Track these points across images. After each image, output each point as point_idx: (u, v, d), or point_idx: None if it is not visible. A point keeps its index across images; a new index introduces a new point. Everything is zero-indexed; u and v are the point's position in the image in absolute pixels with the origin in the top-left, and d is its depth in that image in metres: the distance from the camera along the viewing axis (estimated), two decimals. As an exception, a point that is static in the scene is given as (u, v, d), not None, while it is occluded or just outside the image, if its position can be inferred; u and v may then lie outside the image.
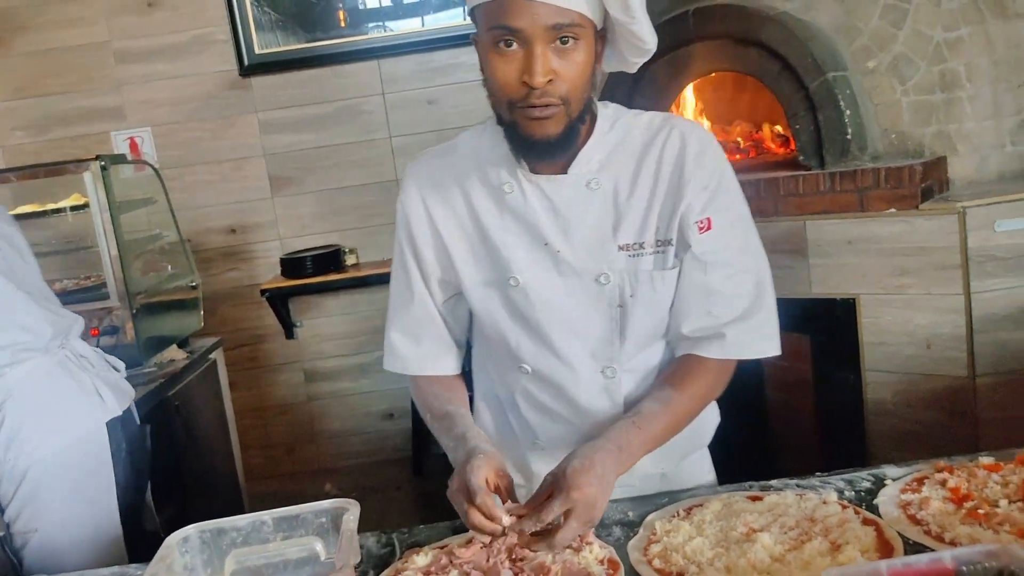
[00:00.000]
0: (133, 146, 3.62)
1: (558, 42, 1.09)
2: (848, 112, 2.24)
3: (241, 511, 2.93)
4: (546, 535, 1.04)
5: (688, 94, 2.87)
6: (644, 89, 2.66)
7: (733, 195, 1.24)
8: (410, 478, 3.52)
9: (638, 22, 1.14)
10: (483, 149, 1.27)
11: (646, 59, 1.24)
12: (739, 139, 3.10)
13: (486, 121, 1.27)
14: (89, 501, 1.77)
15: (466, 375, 1.42)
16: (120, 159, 2.88)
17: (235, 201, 3.63)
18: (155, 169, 2.98)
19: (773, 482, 1.25)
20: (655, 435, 1.17)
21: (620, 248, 1.23)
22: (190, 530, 0.94)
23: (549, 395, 1.31)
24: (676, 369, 1.26)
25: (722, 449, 2.59)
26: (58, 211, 2.60)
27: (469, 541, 1.16)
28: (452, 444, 1.20)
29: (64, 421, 1.76)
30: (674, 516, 1.18)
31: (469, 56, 3.62)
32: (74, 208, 2.56)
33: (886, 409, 2.18)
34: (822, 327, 2.27)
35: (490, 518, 1.05)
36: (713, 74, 2.69)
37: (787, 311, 2.31)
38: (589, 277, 1.23)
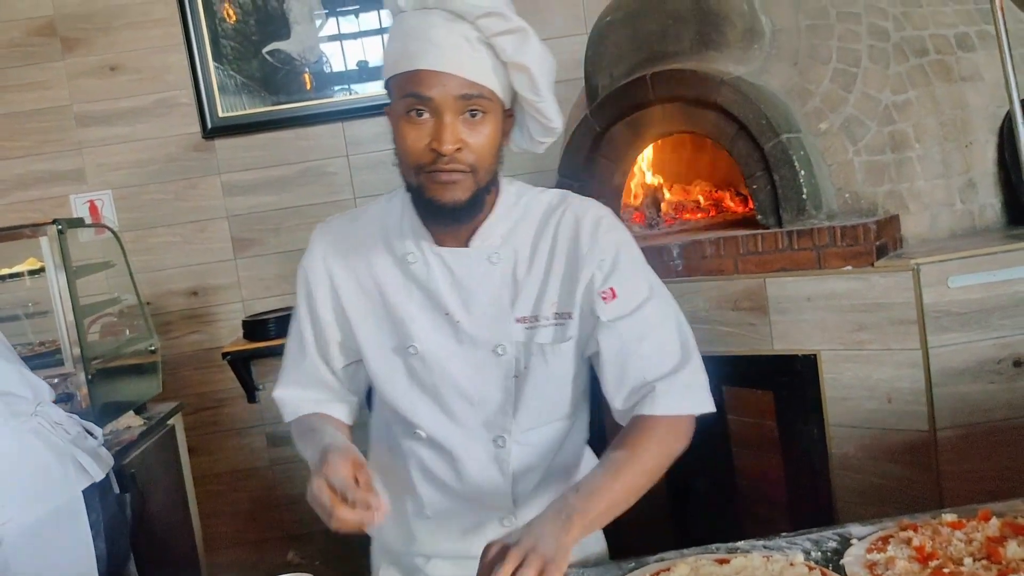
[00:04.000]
0: (93, 209, 3.59)
1: (467, 114, 1.16)
2: (803, 172, 2.30)
3: (200, 584, 2.82)
4: None
5: (648, 154, 2.92)
6: (604, 149, 2.70)
7: (635, 264, 1.31)
8: (375, 544, 3.45)
9: (544, 101, 1.21)
10: (391, 218, 1.32)
11: (552, 139, 1.32)
12: (699, 198, 3.15)
13: (394, 191, 1.32)
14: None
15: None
16: (77, 223, 2.85)
17: (197, 263, 3.60)
18: (114, 232, 2.95)
19: (740, 543, 1.25)
20: (599, 491, 1.15)
21: (517, 320, 1.28)
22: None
23: (441, 462, 1.33)
24: (623, 431, 1.27)
25: (687, 507, 2.58)
26: (13, 276, 2.55)
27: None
28: (316, 458, 1.17)
29: (39, 491, 1.68)
30: (641, 581, 1.16)
31: (432, 118, 3.66)
32: (30, 272, 2.51)
33: (851, 463, 2.19)
34: (785, 383, 2.29)
35: (367, 505, 1.05)
36: (672, 135, 2.74)
37: (750, 367, 2.36)
38: (487, 347, 1.28)
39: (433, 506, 1.35)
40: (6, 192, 3.61)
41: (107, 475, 1.85)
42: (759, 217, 2.40)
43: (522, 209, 1.30)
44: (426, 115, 1.16)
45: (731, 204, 3.10)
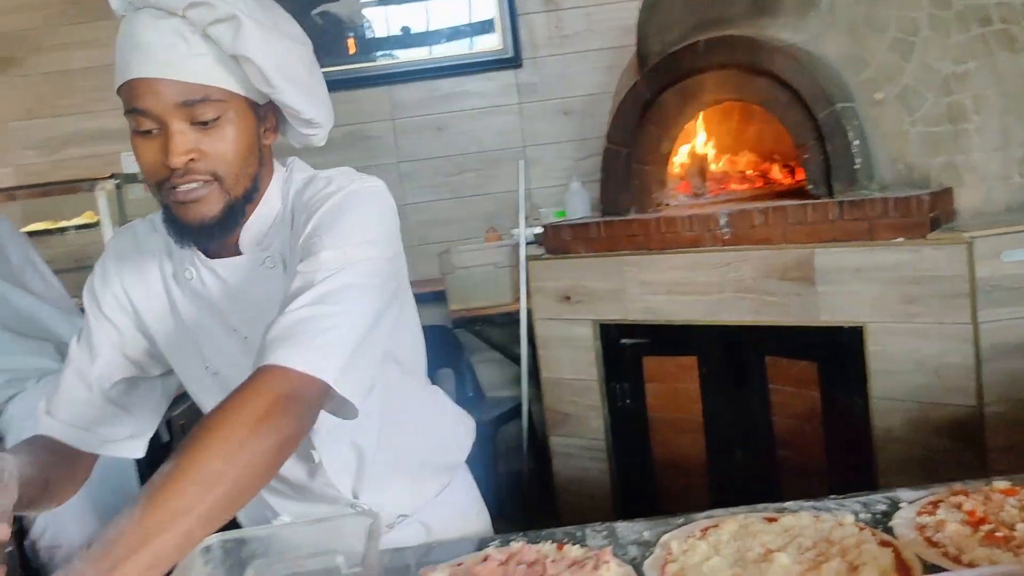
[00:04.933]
0: (143, 167, 3.64)
1: (198, 122, 1.02)
2: (856, 142, 2.27)
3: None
4: None
5: (697, 123, 2.90)
6: (653, 116, 2.68)
7: (337, 231, 1.05)
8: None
9: (281, 92, 1.06)
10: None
11: (318, 132, 1.17)
12: (746, 169, 3.13)
13: None
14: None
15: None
16: (132, 178, 2.90)
17: (243, 223, 3.65)
18: (166, 189, 3.00)
19: (788, 504, 1.25)
20: (118, 540, 0.74)
21: None
22: (212, 540, 0.94)
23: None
24: None
25: (727, 477, 2.59)
26: (68, 229, 2.62)
27: (485, 558, 1.16)
28: None
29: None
30: (690, 536, 1.18)
31: (476, 84, 3.66)
32: (84, 227, 2.57)
33: (894, 436, 2.18)
34: (830, 354, 2.28)
35: None
36: (722, 104, 2.72)
37: (794, 338, 2.35)
38: None
39: (285, 510, 1.27)
40: (58, 148, 3.68)
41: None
42: (809, 187, 2.38)
43: (284, 199, 1.16)
44: (154, 129, 1.01)
45: (777, 176, 3.07)
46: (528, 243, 3.13)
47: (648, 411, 2.68)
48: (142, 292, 1.20)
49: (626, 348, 2.69)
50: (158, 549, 0.73)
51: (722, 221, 2.44)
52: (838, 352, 2.25)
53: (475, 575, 1.13)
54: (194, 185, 1.03)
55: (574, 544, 1.19)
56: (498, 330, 3.31)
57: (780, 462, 2.42)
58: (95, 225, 2.56)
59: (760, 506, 1.26)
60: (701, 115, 2.79)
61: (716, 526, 1.19)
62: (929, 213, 2.11)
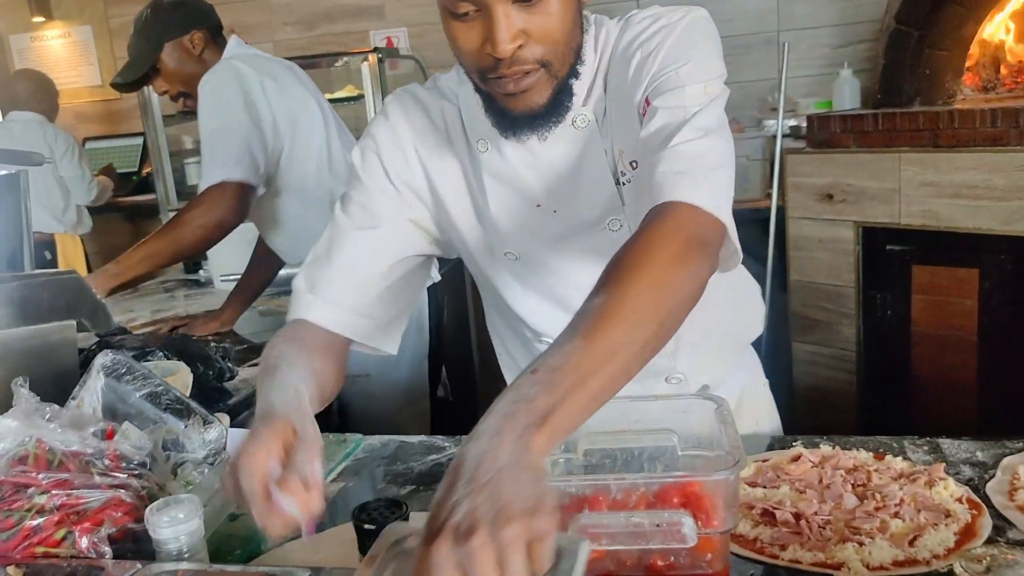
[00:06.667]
0: (389, 44, 3.71)
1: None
2: None
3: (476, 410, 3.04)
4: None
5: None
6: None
7: (692, 64, 0.95)
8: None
9: None
10: (464, 98, 1.08)
11: None
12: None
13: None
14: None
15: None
16: (393, 53, 2.95)
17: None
18: (421, 65, 3.04)
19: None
20: (568, 366, 0.72)
21: (618, 184, 1.04)
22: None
23: None
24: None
25: (1004, 404, 2.34)
26: (337, 100, 2.71)
27: (797, 457, 1.09)
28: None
29: None
30: (1038, 462, 1.05)
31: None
32: (351, 99, 2.65)
33: None
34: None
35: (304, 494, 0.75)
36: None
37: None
38: (597, 228, 1.06)
39: None
40: (315, 24, 3.82)
41: None
42: None
43: (600, 49, 1.03)
44: (471, 11, 0.90)
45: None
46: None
47: (912, 324, 2.47)
48: (435, 163, 1.10)
49: (894, 254, 2.46)
50: (594, 389, 0.72)
51: (1020, 120, 2.13)
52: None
53: (787, 474, 1.06)
54: (525, 79, 0.93)
55: (893, 456, 1.09)
56: (743, 228, 3.15)
57: (918, 386, 2.16)
58: (358, 98, 2.64)
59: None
60: (1014, -5, 2.43)
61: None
62: None
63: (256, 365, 1.57)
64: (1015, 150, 2.16)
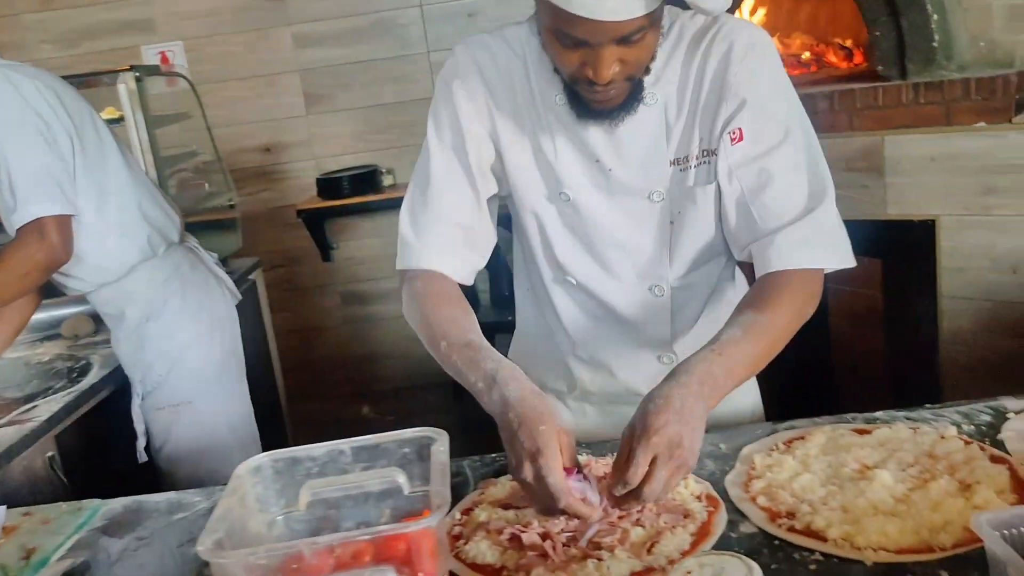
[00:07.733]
0: (164, 60, 3.48)
1: (626, 41, 1.02)
2: (935, 17, 2.06)
3: (284, 433, 2.89)
4: (636, 490, 0.88)
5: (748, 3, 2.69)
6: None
7: (773, 100, 1.13)
8: (450, 405, 3.47)
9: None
10: (533, 53, 1.17)
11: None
12: (802, 53, 2.92)
13: (534, 17, 1.14)
14: (232, 377, 1.98)
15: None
16: (154, 70, 2.76)
17: (269, 119, 3.51)
18: (189, 82, 2.86)
19: (878, 414, 1.15)
20: (741, 360, 1.00)
21: (671, 164, 1.17)
22: (262, 459, 0.86)
23: (594, 308, 1.27)
24: (753, 290, 1.14)
25: (777, 384, 2.49)
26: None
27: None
28: (481, 385, 1.01)
29: (204, 304, 1.94)
30: (773, 449, 1.09)
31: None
32: (110, 121, 2.45)
33: (963, 338, 2.07)
34: (896, 251, 2.15)
35: (581, 515, 0.90)
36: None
37: (858, 233, 2.19)
38: (641, 195, 1.18)
39: (586, 347, 1.29)
40: (76, 42, 3.52)
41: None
42: (879, 68, 2.19)
43: (673, 39, 1.15)
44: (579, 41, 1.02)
45: (833, 59, 2.86)
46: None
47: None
48: (506, 109, 1.19)
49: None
50: (743, 377, 1.01)
51: (781, 108, 2.27)
52: (906, 248, 2.12)
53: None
54: (614, 92, 1.07)
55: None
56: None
57: (836, 367, 2.33)
58: (119, 121, 2.44)
59: (848, 416, 1.16)
60: (757, -8, 2.58)
61: (802, 438, 1.10)
62: (1015, 95, 1.93)
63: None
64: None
